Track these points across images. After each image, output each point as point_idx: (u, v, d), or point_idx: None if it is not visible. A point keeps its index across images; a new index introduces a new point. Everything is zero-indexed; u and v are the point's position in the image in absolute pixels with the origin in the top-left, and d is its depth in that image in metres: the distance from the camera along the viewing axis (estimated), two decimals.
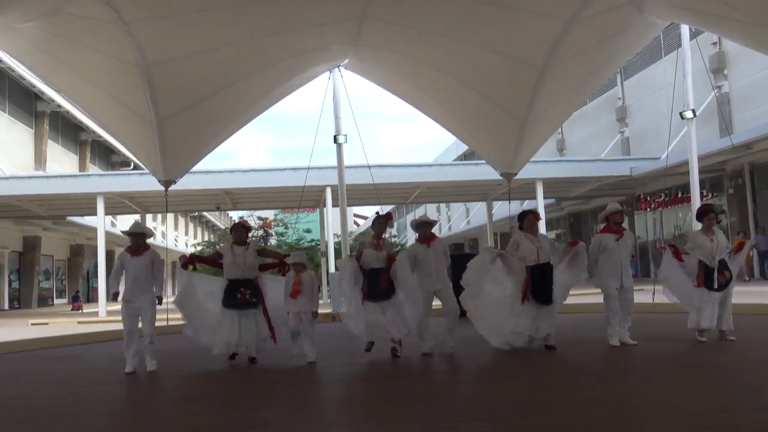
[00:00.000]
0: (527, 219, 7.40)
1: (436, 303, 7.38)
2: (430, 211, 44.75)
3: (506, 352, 7.04)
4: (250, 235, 7.78)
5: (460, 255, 7.66)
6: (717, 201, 19.50)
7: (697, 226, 7.64)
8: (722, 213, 7.63)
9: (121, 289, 7.11)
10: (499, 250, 7.59)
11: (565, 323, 7.41)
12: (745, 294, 10.85)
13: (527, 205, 25.29)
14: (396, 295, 6.99)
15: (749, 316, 8.92)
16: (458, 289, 7.37)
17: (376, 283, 6.93)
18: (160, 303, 7.03)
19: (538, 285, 7.08)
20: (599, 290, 7.47)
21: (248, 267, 7.18)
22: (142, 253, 7.00)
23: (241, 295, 7.05)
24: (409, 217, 55.73)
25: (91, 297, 31.99)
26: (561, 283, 7.34)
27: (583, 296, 11.55)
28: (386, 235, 8.15)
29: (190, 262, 7.45)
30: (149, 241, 7.46)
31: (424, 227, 7.42)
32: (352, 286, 7.04)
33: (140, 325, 6.98)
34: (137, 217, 22.52)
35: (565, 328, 7.49)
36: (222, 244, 13.89)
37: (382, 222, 7.34)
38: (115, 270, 7.09)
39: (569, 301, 8.03)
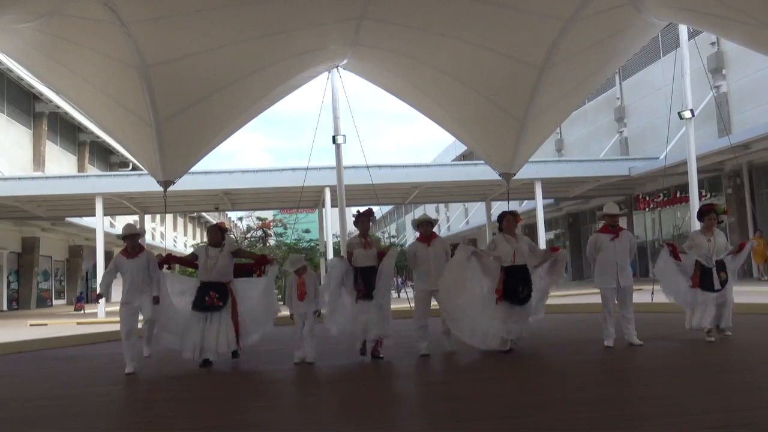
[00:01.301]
0: (506, 220, 7.30)
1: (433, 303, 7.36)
2: (429, 211, 44.76)
3: (505, 352, 7.02)
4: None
5: None
6: (716, 201, 19.52)
7: (697, 225, 7.63)
8: (725, 214, 7.58)
9: (117, 291, 7.08)
10: (474, 248, 7.44)
11: (562, 323, 7.41)
12: (746, 293, 10.85)
13: (526, 205, 25.35)
14: (377, 294, 6.87)
15: (749, 315, 8.92)
16: None
17: (372, 281, 6.86)
18: (157, 303, 7.01)
19: (511, 286, 7.00)
20: (598, 290, 7.45)
21: (220, 269, 7.14)
22: (138, 255, 7.01)
23: (210, 298, 7.02)
24: (408, 218, 55.72)
25: (90, 298, 31.95)
26: (539, 288, 7.25)
27: (581, 296, 11.54)
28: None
29: (165, 261, 7.41)
30: (147, 241, 7.47)
31: (424, 226, 7.38)
32: (339, 286, 6.98)
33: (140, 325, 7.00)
34: (136, 217, 22.53)
35: (561, 329, 7.48)
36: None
37: (363, 219, 7.22)
38: (108, 271, 7.11)
39: (567, 301, 8.02)
